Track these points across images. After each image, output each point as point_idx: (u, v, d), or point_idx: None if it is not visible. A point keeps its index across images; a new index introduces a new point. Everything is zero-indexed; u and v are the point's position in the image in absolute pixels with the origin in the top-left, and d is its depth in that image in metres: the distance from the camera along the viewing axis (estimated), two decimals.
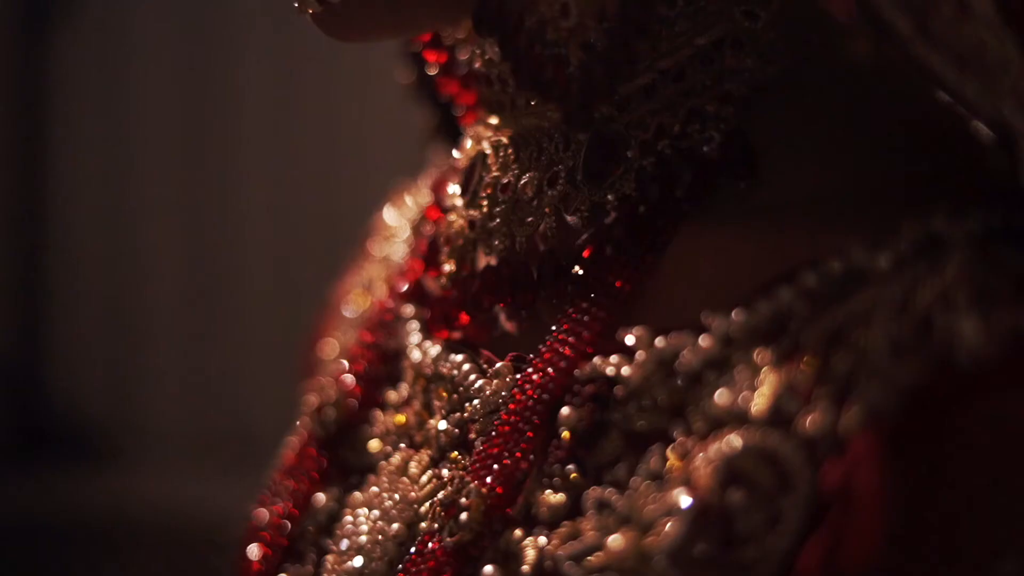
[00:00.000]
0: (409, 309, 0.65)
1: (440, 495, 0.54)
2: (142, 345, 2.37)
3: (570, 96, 0.54)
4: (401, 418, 0.62)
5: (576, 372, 0.52)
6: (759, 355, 0.47)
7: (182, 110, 2.33)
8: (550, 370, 0.53)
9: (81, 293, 2.40)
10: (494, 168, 0.59)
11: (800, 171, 0.52)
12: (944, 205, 0.47)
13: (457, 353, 0.59)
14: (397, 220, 0.74)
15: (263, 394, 2.30)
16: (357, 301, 0.73)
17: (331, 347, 0.72)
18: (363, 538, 0.59)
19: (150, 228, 2.35)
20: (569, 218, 0.56)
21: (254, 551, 0.66)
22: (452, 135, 0.74)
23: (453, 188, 0.63)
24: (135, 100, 2.35)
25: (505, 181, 0.58)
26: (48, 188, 2.41)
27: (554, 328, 0.54)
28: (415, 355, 0.62)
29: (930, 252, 0.46)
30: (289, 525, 0.65)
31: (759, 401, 0.46)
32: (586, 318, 0.53)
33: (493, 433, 0.54)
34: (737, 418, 0.47)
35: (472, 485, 0.53)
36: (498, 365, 0.56)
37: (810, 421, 0.45)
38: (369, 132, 2.22)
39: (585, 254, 0.54)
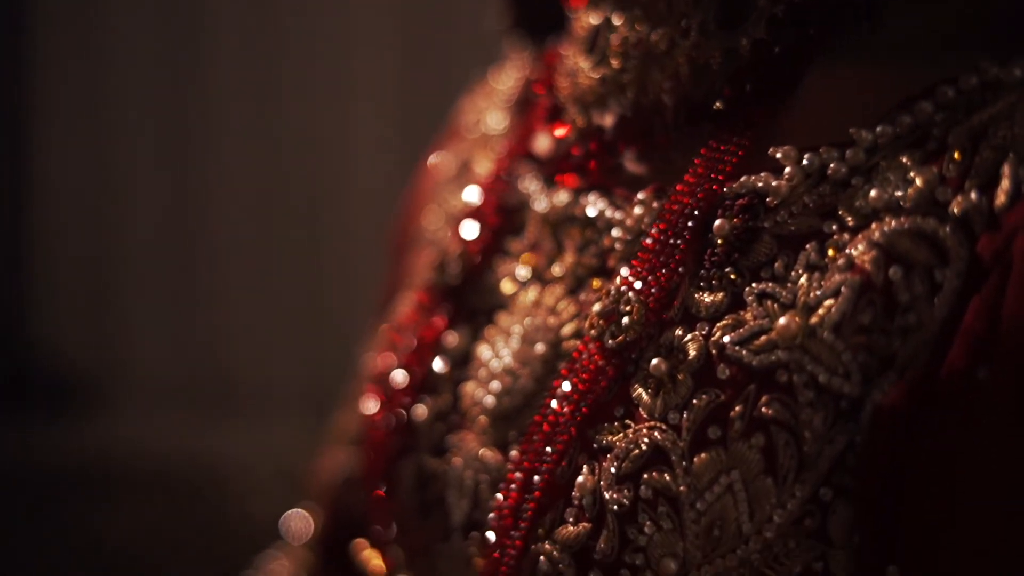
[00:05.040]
0: (526, 166, 0.70)
1: (596, 307, 0.59)
2: (125, 292, 2.37)
3: None
4: (529, 258, 0.67)
5: (725, 190, 0.58)
6: (906, 158, 0.54)
7: (161, 66, 2.35)
8: (698, 192, 0.59)
9: (64, 241, 2.40)
10: (622, 29, 0.65)
11: (915, 14, 0.59)
12: None
13: (590, 194, 0.64)
14: (486, 101, 0.79)
15: (245, 338, 2.32)
16: (456, 175, 0.78)
17: (435, 215, 0.77)
18: (507, 360, 0.64)
19: (133, 177, 2.36)
20: (703, 64, 0.61)
21: (386, 389, 0.70)
22: (527, 29, 0.79)
23: (574, 55, 0.69)
24: (116, 59, 2.37)
25: (636, 39, 0.64)
26: (32, 140, 2.41)
27: (696, 159, 0.60)
28: (540, 204, 0.67)
29: None
30: (419, 367, 0.69)
31: (911, 193, 0.53)
32: (729, 147, 0.59)
33: (640, 253, 0.59)
34: (892, 209, 0.53)
35: (630, 294, 0.58)
36: (640, 195, 0.61)
37: (963, 203, 0.52)
38: (345, 96, 2.26)
39: (726, 92, 0.60)
